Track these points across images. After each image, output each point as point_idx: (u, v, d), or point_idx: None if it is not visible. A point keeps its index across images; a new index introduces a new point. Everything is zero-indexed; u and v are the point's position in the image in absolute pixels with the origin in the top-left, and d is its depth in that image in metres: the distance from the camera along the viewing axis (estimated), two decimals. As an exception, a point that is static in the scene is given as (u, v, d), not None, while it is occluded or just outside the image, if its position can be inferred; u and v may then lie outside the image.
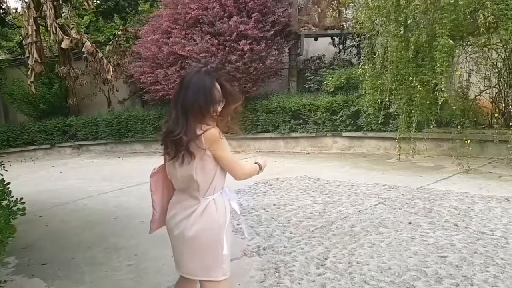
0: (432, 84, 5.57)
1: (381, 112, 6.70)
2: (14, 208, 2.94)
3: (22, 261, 3.49)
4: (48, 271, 3.24)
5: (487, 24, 4.79)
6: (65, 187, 6.40)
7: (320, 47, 9.72)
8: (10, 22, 13.08)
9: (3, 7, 8.37)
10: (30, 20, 10.61)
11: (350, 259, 2.91)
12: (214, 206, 1.80)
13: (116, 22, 11.82)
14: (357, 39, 7.23)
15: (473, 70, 6.48)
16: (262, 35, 8.11)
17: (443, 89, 5.18)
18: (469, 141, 5.56)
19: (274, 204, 4.43)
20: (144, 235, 3.77)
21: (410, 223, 3.57)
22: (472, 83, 6.63)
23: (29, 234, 4.15)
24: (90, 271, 3.19)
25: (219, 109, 1.80)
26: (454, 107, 5.64)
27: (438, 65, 5.14)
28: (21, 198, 2.98)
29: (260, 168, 2.02)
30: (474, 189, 4.54)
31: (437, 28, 5.20)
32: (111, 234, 3.95)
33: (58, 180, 7.18)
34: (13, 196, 2.97)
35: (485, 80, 6.51)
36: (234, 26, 7.97)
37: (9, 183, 3.08)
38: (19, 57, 12.41)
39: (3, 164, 3.49)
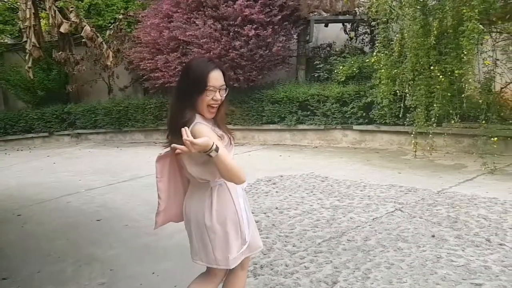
0: (456, 74, 4.99)
1: (397, 104, 6.14)
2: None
3: (-16, 272, 3.07)
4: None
5: (525, 6, 4.18)
6: (54, 180, 6.00)
7: (331, 34, 9.08)
8: (11, 6, 12.68)
9: None
10: (28, 3, 10.14)
11: (364, 285, 2.42)
12: (226, 189, 1.74)
13: (118, 5, 11.33)
14: (372, 23, 6.62)
15: (498, 59, 5.87)
16: (268, 19, 7.54)
17: (470, 80, 4.60)
18: (495, 138, 4.99)
19: (277, 208, 3.94)
20: (124, 245, 3.33)
21: (433, 236, 3.06)
22: (498, 74, 6.03)
23: (1, 237, 3.76)
24: (53, 291, 2.73)
25: (219, 97, 1.67)
26: (480, 100, 5.05)
27: (465, 52, 4.56)
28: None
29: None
30: (503, 194, 3.99)
31: (465, 11, 4.61)
32: (88, 241, 3.50)
33: (49, 172, 6.78)
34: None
35: (512, 70, 5.90)
36: (239, 10, 7.41)
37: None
38: (19, 41, 12.02)
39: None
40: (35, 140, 10.93)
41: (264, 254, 2.88)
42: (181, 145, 1.48)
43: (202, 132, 1.58)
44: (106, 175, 6.04)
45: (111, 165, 6.96)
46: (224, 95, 1.69)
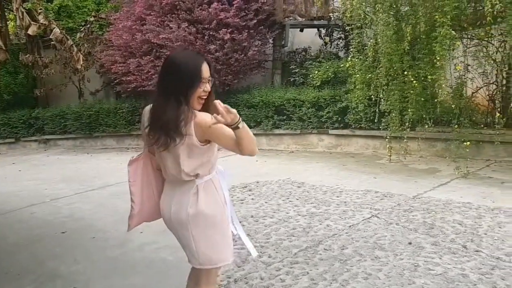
0: (429, 80, 5.05)
1: (372, 108, 6.17)
2: None
3: None
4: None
5: (495, 12, 4.25)
6: (18, 189, 5.66)
7: (306, 38, 9.13)
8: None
9: None
10: (-6, 4, 9.74)
11: (341, 296, 2.34)
12: (212, 185, 1.74)
13: (89, 8, 11.01)
14: (347, 29, 6.65)
15: (469, 65, 6.00)
16: (244, 24, 7.47)
17: (442, 85, 4.65)
18: (468, 142, 5.06)
19: (252, 216, 3.83)
20: (90, 258, 3.13)
21: (410, 243, 3.02)
22: (469, 79, 6.16)
23: (-45, 253, 3.45)
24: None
25: (209, 88, 1.70)
26: (453, 105, 5.12)
27: (438, 58, 4.61)
28: None
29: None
30: (477, 199, 4.03)
31: (437, 16, 4.66)
32: (51, 255, 3.26)
33: (14, 180, 6.42)
34: None
35: (483, 76, 6.04)
36: (214, 13, 7.32)
37: None
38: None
39: None
40: (0, 147, 10.40)
41: (239, 267, 2.75)
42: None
43: (206, 117, 1.61)
44: (75, 183, 5.76)
45: (81, 172, 6.67)
46: (211, 86, 1.73)
